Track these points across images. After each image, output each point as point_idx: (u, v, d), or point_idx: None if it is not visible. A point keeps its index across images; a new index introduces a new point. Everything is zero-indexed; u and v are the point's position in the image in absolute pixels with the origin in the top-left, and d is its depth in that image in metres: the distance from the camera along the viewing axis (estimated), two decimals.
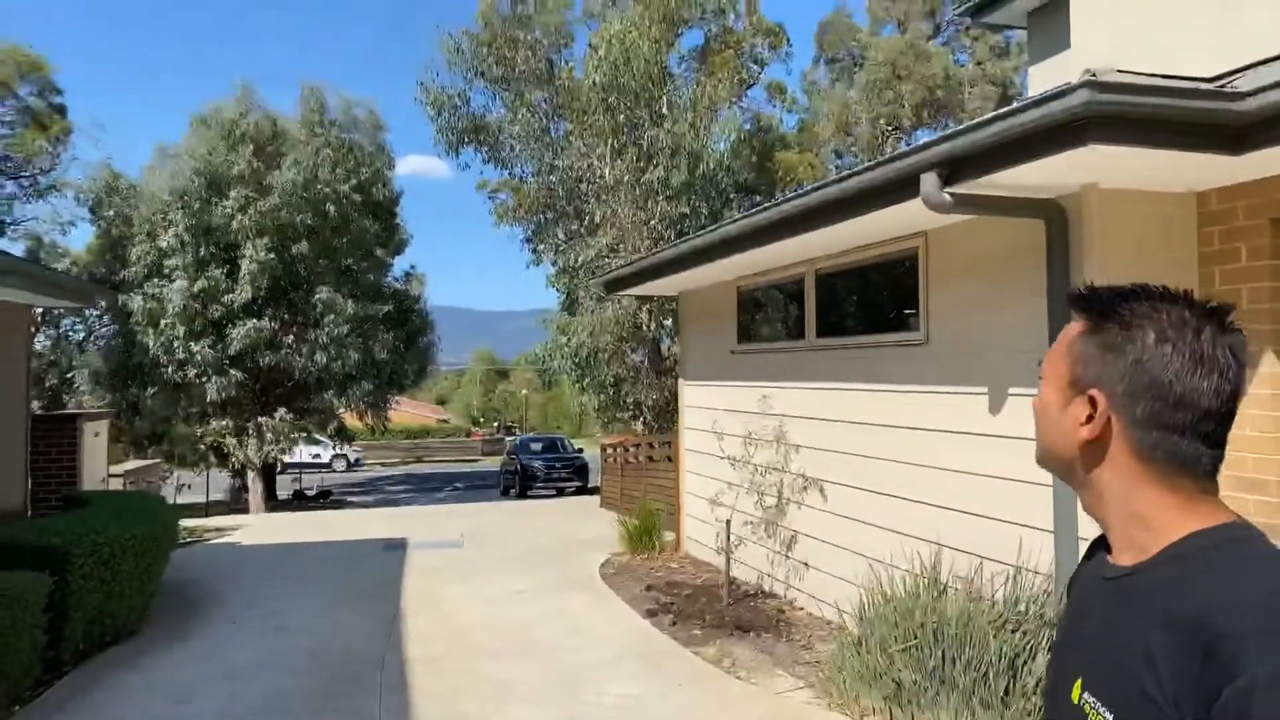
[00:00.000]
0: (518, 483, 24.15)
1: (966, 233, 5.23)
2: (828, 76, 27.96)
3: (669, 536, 10.11)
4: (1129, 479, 1.06)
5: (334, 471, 40.64)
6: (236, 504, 22.85)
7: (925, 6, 26.19)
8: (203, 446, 21.93)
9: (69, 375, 22.91)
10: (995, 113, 3.92)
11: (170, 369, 20.48)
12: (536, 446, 26.65)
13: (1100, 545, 1.17)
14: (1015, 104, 3.86)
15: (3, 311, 8.26)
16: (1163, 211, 4.40)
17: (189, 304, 19.91)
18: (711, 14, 19.22)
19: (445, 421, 64.82)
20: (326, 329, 21.09)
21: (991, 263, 5.09)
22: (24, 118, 25.08)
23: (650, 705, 5.24)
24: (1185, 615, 0.95)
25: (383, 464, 43.39)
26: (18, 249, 24.02)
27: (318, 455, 40.38)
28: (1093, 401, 1.07)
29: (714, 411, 8.84)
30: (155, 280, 20.49)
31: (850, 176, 4.96)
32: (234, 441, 21.12)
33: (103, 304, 20.51)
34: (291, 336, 21.20)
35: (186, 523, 13.36)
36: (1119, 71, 3.99)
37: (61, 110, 25.71)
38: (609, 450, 16.21)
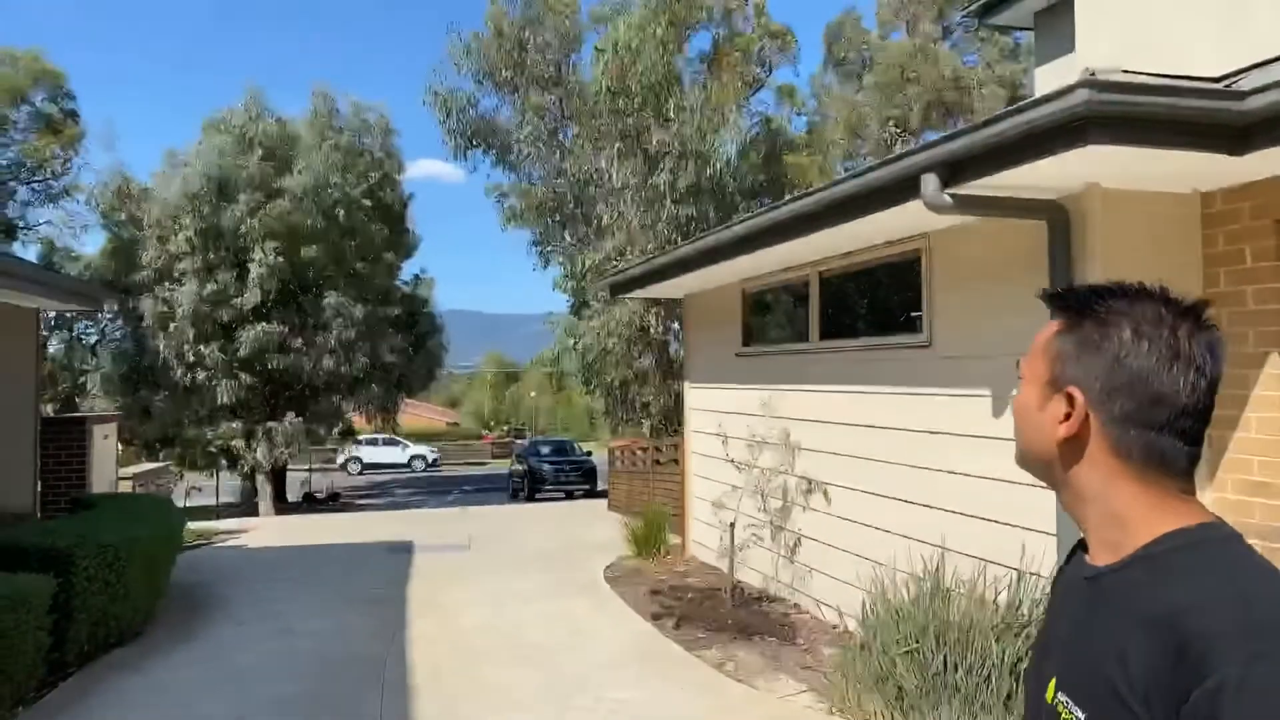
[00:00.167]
0: (526, 486, 24.18)
1: (969, 235, 5.20)
2: (836, 79, 27.92)
3: (675, 540, 10.09)
4: (1107, 477, 1.05)
5: (413, 471, 40.85)
6: (247, 507, 22.95)
7: (934, 9, 26.12)
8: (213, 450, 22.05)
9: (82, 379, 23.08)
10: (995, 113, 3.90)
11: (180, 372, 20.60)
12: (545, 450, 26.67)
13: (1083, 545, 1.16)
14: (1015, 104, 3.84)
15: (11, 315, 8.32)
16: (1167, 212, 4.36)
17: (198, 307, 20.03)
18: (719, 17, 19.22)
19: (455, 425, 64.92)
20: (335, 332, 21.18)
21: (994, 264, 5.06)
22: (37, 123, 25.31)
23: (650, 709, 5.22)
24: (1156, 616, 0.95)
25: (390, 465, 43.51)
26: (31, 253, 24.25)
27: (407, 449, 40.43)
28: (1070, 399, 1.06)
29: (719, 414, 8.82)
30: (166, 284, 20.63)
31: (851, 178, 4.95)
32: (244, 445, 21.22)
33: (115, 307, 20.67)
34: (300, 340, 21.30)
35: (195, 525, 13.41)
36: (1124, 72, 3.96)
37: (74, 116, 25.94)
38: (617, 453, 16.21)
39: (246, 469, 22.26)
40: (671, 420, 16.58)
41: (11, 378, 8.47)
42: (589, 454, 27.03)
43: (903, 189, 4.44)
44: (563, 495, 23.19)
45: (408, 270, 26.10)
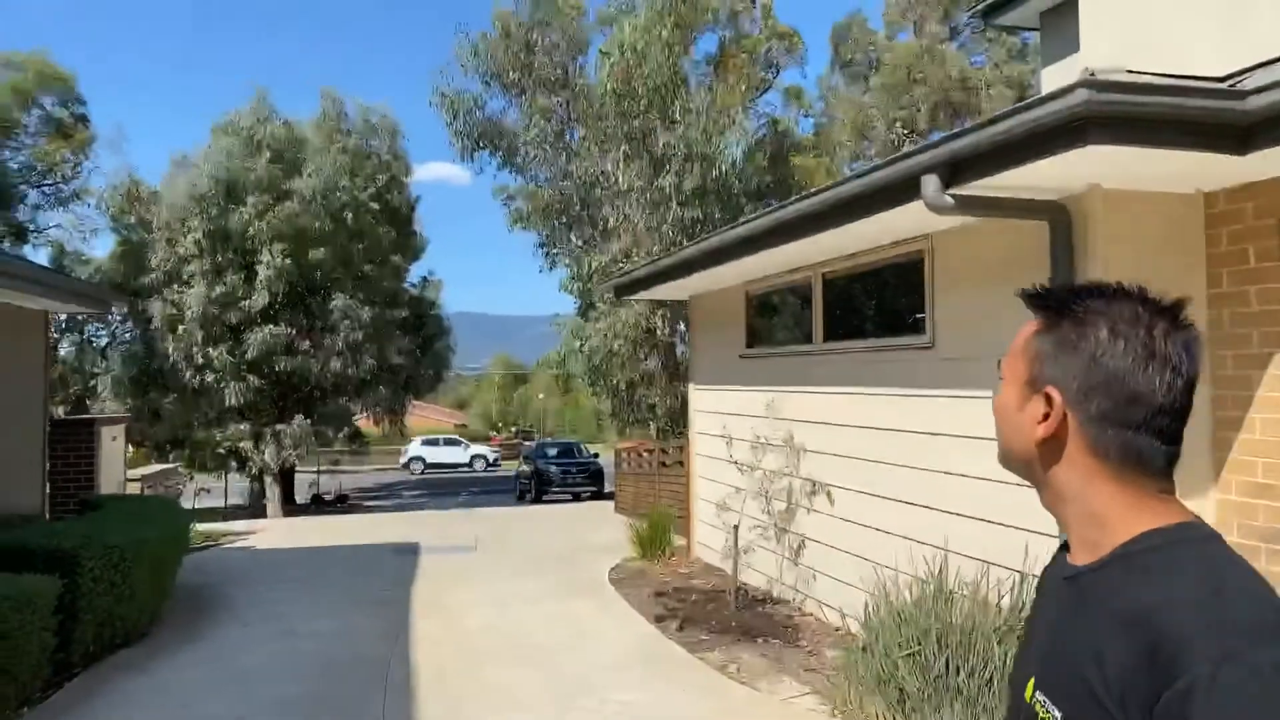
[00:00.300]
0: (533, 488, 24.19)
1: (971, 236, 5.18)
2: (843, 80, 27.88)
3: (680, 542, 10.09)
4: (1085, 476, 1.05)
5: (474, 471, 41.16)
6: (255, 508, 23.03)
7: (940, 9, 26.05)
8: (222, 451, 22.15)
9: (92, 382, 23.21)
10: (995, 113, 3.89)
11: (189, 374, 20.70)
12: (552, 452, 26.68)
13: (1066, 546, 1.16)
14: (1016, 105, 3.83)
15: (20, 317, 8.37)
16: (1169, 212, 4.33)
17: (207, 309, 20.13)
18: (725, 19, 19.22)
19: (463, 426, 65.03)
20: (343, 334, 21.25)
21: (997, 265, 5.04)
22: (48, 128, 25.46)
23: (653, 711, 5.21)
24: (1131, 615, 0.95)
25: (398, 468, 43.69)
26: (42, 256, 24.39)
27: (469, 449, 41.17)
28: (1049, 399, 1.06)
29: (723, 416, 8.82)
30: (174, 286, 20.75)
31: (852, 180, 4.94)
32: (252, 446, 21.31)
33: (124, 309, 20.78)
34: (308, 342, 21.38)
35: (203, 527, 13.48)
36: (1128, 72, 3.94)
37: (85, 120, 26.09)
38: (624, 455, 16.22)
39: (255, 471, 22.35)
40: (677, 422, 16.58)
41: (20, 379, 8.52)
42: (596, 456, 27.03)
43: (904, 190, 4.43)
44: (570, 497, 23.21)
45: (415, 272, 26.22)
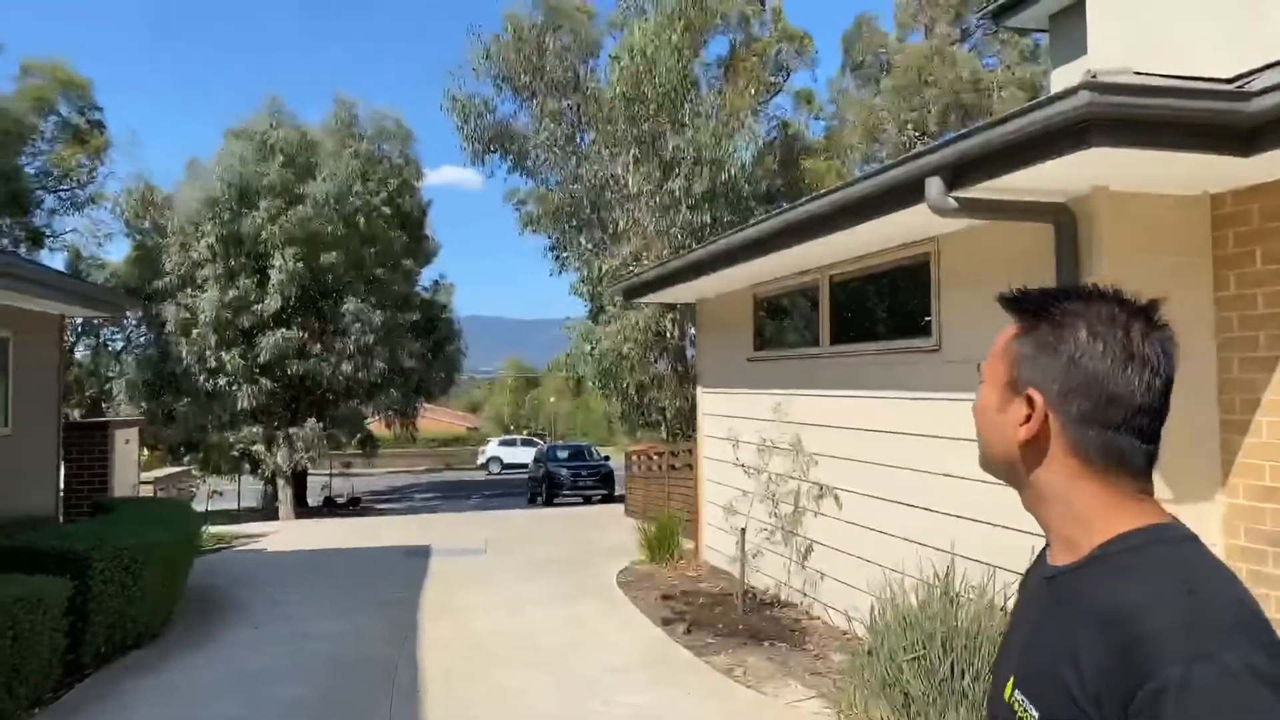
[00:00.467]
0: (544, 490, 24.23)
1: (977, 238, 5.17)
2: (854, 83, 27.82)
3: (688, 545, 10.08)
4: (1067, 477, 1.06)
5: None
6: (267, 511, 23.15)
7: (951, 11, 25.98)
8: (235, 454, 22.30)
9: (108, 385, 23.42)
10: (999, 116, 3.88)
11: (202, 378, 20.85)
12: (563, 454, 26.74)
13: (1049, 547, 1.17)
14: (1020, 108, 3.82)
15: (35, 321, 8.46)
16: (1175, 214, 4.31)
17: (220, 313, 20.27)
18: (736, 22, 19.22)
19: (475, 429, 65.16)
20: (354, 338, 21.36)
21: (1003, 268, 5.02)
22: (64, 133, 25.70)
23: (658, 714, 5.22)
24: (1106, 615, 0.96)
25: (410, 471, 43.85)
26: (58, 261, 24.63)
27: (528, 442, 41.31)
28: (1030, 401, 1.07)
29: (731, 419, 8.81)
30: (188, 290, 20.91)
31: (856, 182, 4.94)
32: (264, 449, 21.43)
33: (138, 313, 20.96)
34: (320, 345, 21.50)
35: (216, 529, 13.56)
36: (1136, 73, 3.93)
37: (100, 126, 26.32)
38: (633, 458, 16.23)
39: (267, 473, 22.48)
40: (687, 425, 16.57)
41: (36, 383, 8.61)
42: (606, 459, 27.04)
43: (908, 192, 4.43)
44: (580, 500, 23.22)
45: (427, 276, 26.33)
